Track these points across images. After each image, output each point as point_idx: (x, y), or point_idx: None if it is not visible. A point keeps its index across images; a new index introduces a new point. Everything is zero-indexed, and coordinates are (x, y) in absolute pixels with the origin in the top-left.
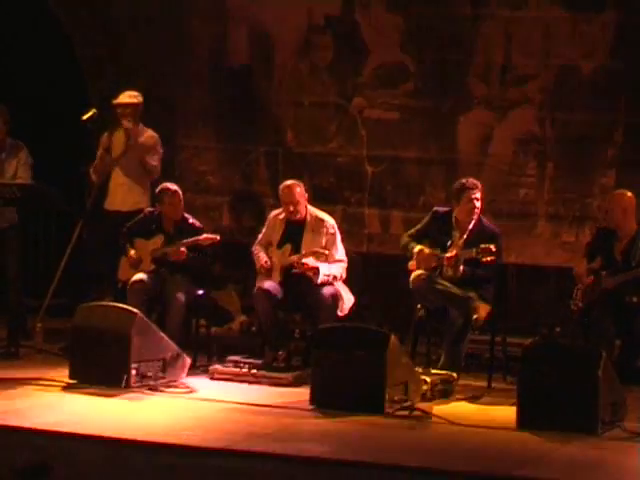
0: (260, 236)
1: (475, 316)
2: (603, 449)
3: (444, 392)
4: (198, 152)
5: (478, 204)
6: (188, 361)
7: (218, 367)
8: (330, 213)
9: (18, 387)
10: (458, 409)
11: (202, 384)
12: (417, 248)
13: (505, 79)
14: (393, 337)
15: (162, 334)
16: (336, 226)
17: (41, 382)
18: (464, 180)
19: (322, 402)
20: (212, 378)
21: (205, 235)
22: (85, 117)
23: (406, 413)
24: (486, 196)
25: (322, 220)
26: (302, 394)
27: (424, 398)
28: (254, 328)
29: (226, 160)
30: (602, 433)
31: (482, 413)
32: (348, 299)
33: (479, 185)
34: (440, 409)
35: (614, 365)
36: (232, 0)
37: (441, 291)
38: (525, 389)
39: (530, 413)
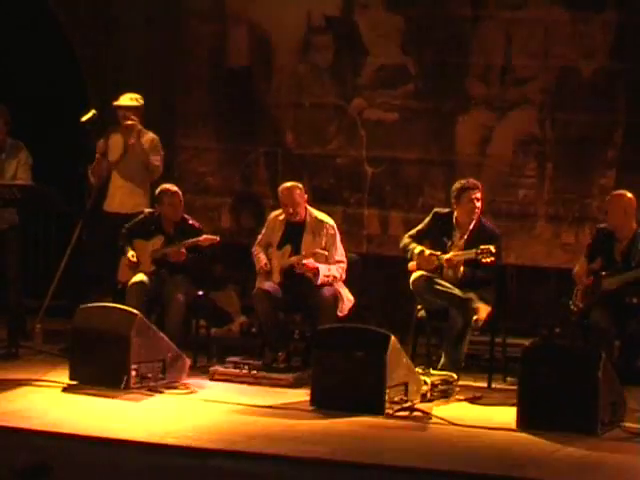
0: (260, 237)
1: (475, 317)
2: (603, 450)
3: (444, 393)
4: (198, 153)
5: (478, 204)
6: (188, 362)
7: (218, 368)
8: (329, 214)
9: (18, 388)
10: (458, 410)
11: (202, 385)
12: (418, 249)
13: (505, 80)
14: (393, 338)
15: (162, 335)
16: (336, 227)
17: (41, 383)
18: (464, 180)
19: (322, 403)
20: (212, 379)
21: (205, 236)
22: (84, 118)
23: (406, 414)
24: (486, 196)
25: (322, 221)
26: (302, 395)
27: (424, 399)
28: (254, 329)
29: (226, 161)
30: (602, 434)
31: (482, 414)
32: (348, 300)
33: (479, 185)
34: (440, 410)
35: (614, 366)
36: (232, 1)
37: (441, 292)
38: (525, 390)
39: (530, 414)
